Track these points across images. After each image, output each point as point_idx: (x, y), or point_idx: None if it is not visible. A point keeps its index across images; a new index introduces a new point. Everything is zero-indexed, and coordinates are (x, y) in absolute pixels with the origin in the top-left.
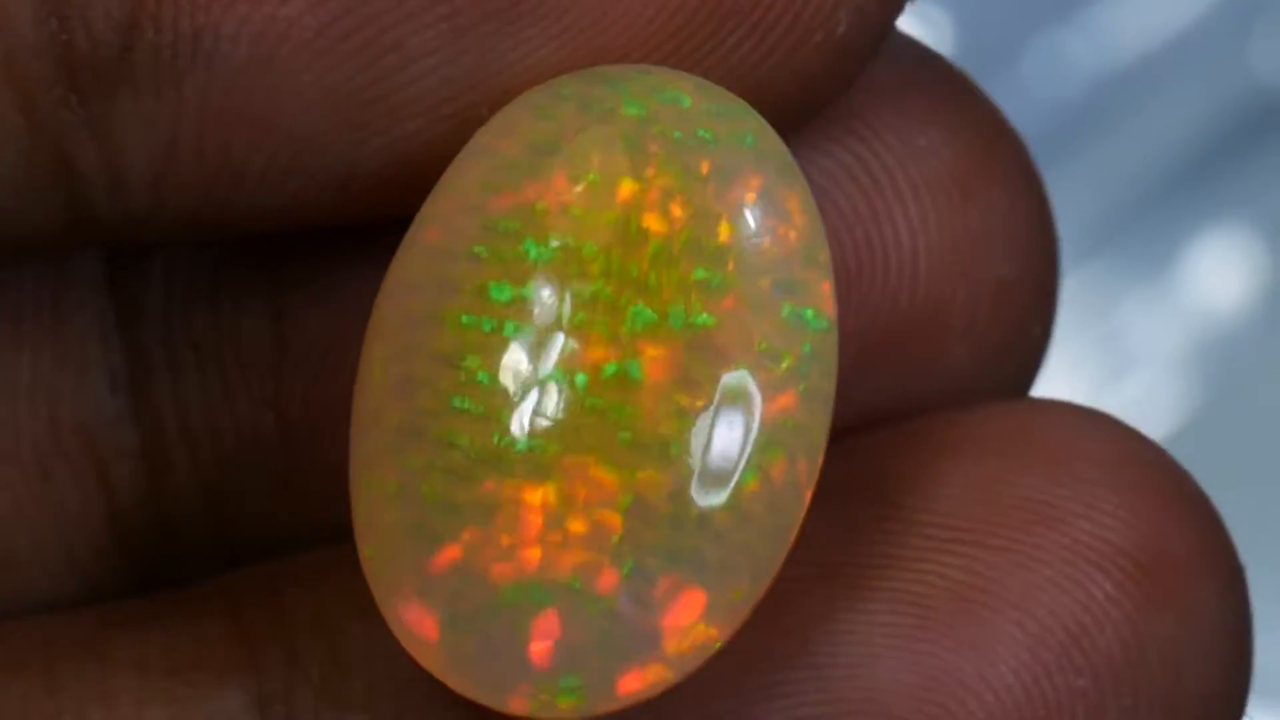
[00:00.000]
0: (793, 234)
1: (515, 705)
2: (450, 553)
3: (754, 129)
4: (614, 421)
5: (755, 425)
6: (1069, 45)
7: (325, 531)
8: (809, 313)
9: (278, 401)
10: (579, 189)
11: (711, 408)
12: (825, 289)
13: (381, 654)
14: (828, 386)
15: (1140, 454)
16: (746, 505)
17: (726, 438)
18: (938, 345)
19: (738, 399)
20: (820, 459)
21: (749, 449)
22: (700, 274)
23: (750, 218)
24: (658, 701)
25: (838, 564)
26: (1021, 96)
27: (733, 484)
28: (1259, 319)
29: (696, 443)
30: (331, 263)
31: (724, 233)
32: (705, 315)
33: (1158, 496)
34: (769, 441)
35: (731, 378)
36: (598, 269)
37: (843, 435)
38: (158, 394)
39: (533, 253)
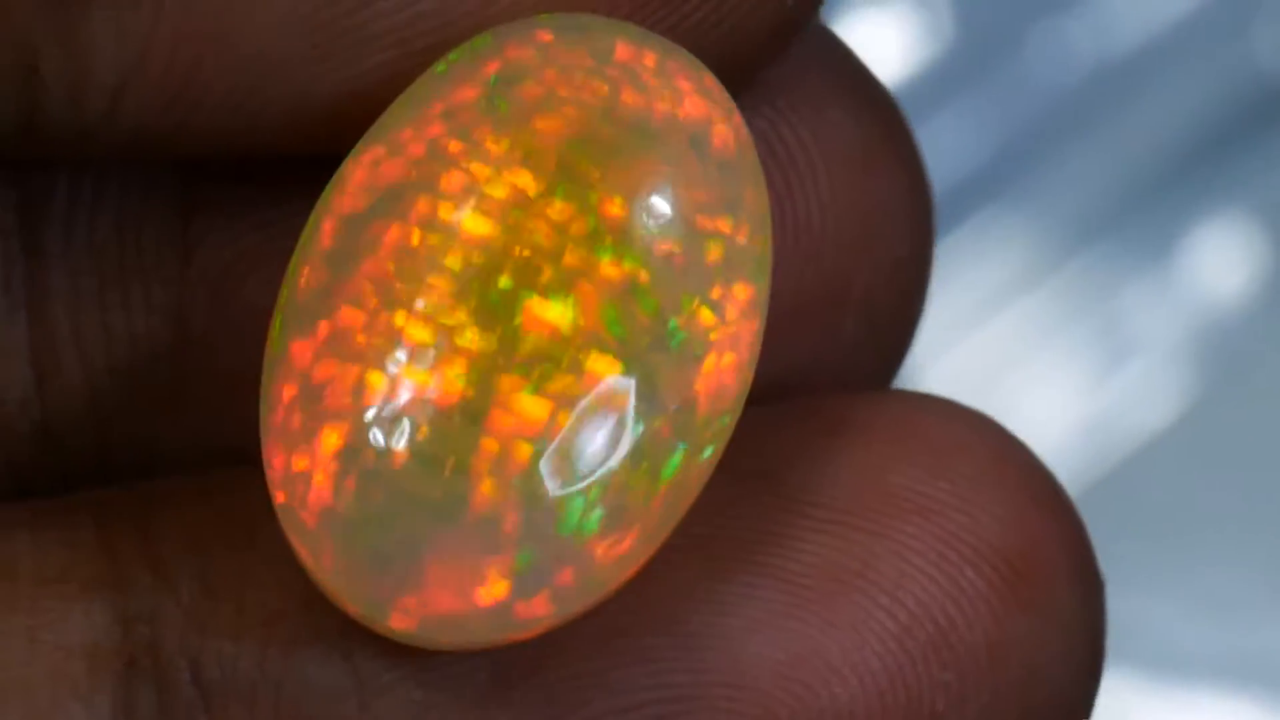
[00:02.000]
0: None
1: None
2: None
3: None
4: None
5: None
6: (1071, 32)
7: (206, 455)
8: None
9: (177, 313)
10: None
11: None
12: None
13: (252, 583)
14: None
15: (1015, 456)
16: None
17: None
18: (836, 320)
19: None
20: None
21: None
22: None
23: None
24: (527, 654)
25: (714, 536)
26: (1023, 84)
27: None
28: (1259, 307)
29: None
30: (244, 183)
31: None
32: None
33: (1030, 499)
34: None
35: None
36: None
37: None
38: (53, 294)
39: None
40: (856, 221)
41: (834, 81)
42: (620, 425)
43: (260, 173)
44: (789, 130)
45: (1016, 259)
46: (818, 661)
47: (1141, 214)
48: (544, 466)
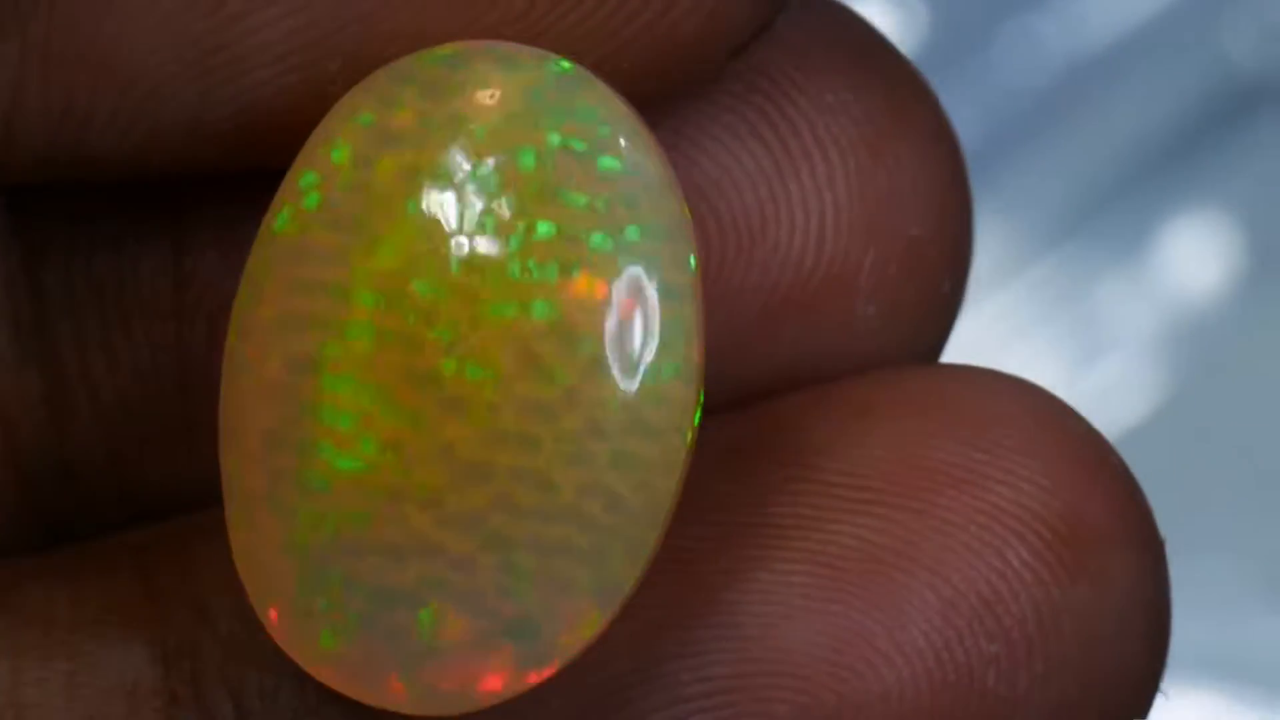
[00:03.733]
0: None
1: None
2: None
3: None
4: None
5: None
6: (1042, 30)
7: None
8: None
9: (178, 345)
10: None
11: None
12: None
13: None
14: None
15: (1061, 422)
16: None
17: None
18: (846, 306)
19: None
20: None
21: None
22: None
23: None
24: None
25: (750, 525)
26: (994, 81)
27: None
28: (1233, 302)
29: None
30: (233, 206)
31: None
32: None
33: (1077, 465)
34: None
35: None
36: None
37: (753, 397)
38: (59, 337)
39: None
40: (860, 204)
41: (843, 60)
42: None
43: (243, 196)
44: (783, 118)
45: (990, 255)
46: (862, 644)
47: (1115, 210)
48: None
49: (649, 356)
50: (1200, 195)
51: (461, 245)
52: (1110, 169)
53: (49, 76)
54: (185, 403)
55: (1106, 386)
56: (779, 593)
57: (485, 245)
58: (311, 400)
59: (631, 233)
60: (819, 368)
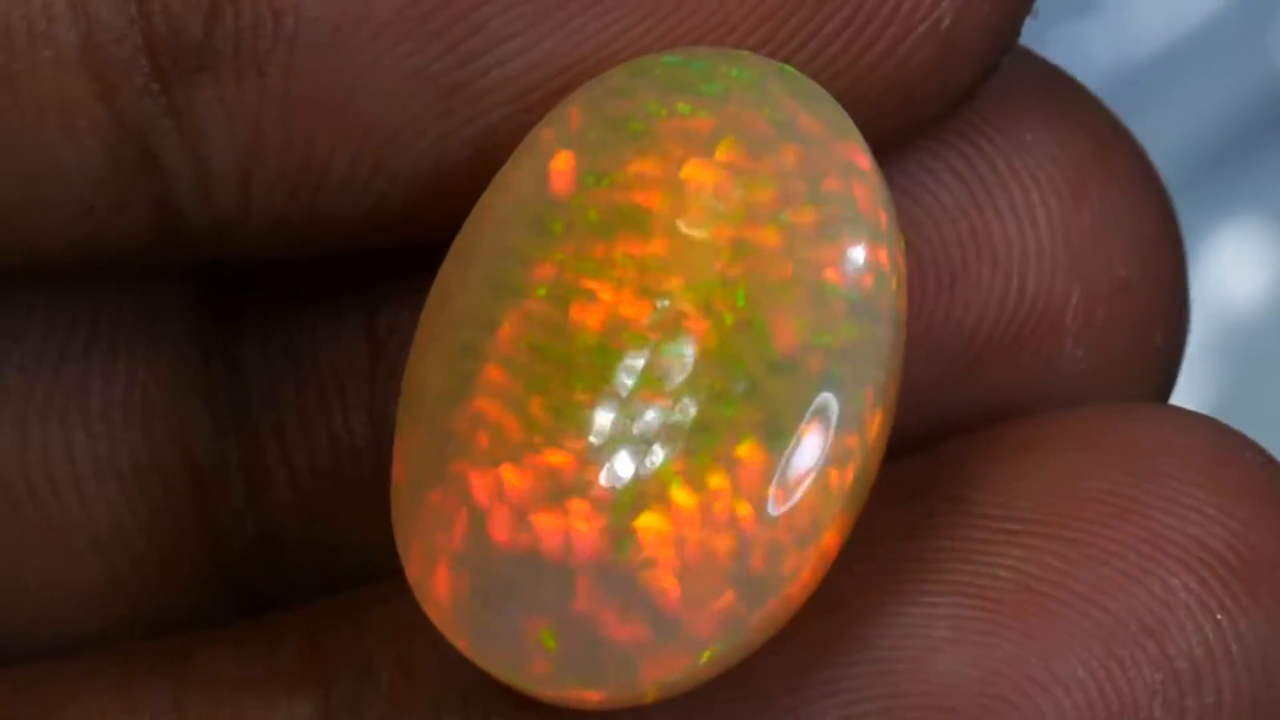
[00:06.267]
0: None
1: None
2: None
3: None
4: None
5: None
6: (1089, 38)
7: None
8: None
9: (373, 409)
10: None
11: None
12: (881, 282)
13: (450, 660)
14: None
15: (1235, 452)
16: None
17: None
18: (1052, 346)
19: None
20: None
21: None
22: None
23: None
24: (716, 699)
25: (903, 560)
26: None
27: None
28: (1279, 311)
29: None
30: (422, 267)
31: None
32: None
33: (1250, 494)
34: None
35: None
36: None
37: (948, 433)
38: (255, 406)
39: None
40: (1062, 242)
41: (1041, 103)
42: None
43: (429, 250)
44: (981, 156)
45: None
46: (1015, 675)
47: None
48: None
49: None
50: (1246, 204)
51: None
52: None
53: (289, 123)
54: (381, 469)
55: None
56: (927, 625)
57: None
58: None
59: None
60: (1026, 410)
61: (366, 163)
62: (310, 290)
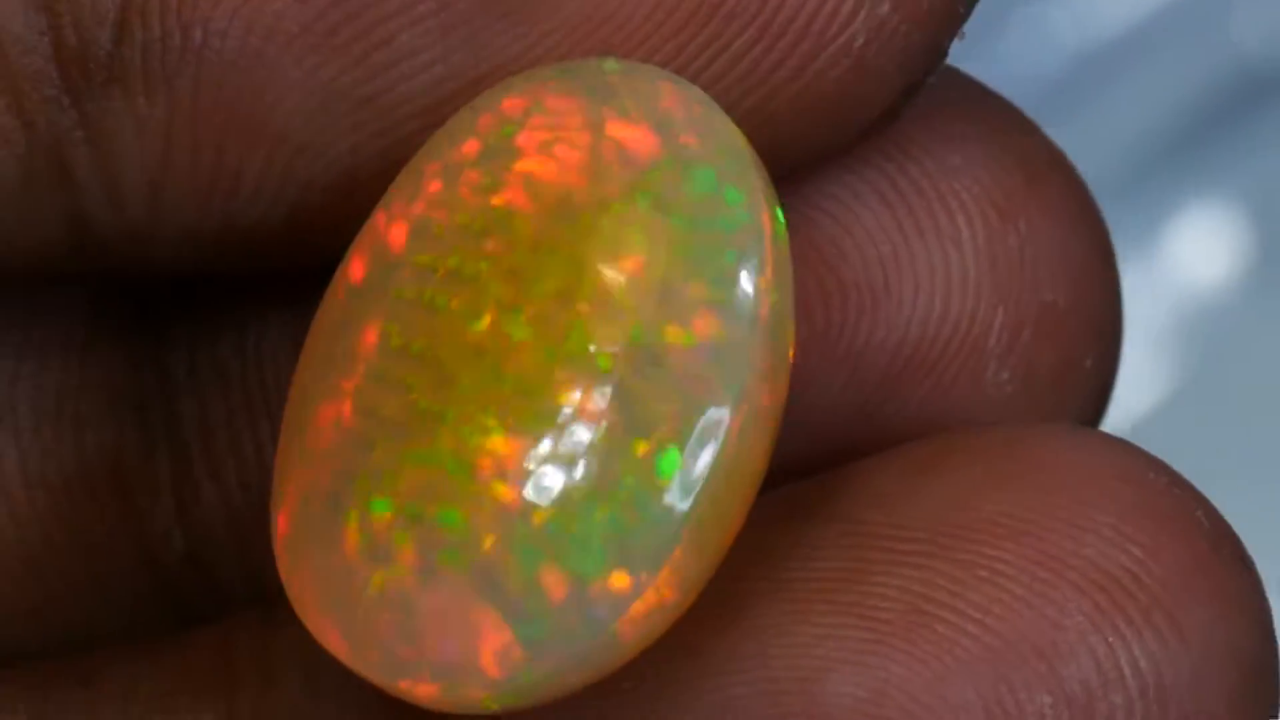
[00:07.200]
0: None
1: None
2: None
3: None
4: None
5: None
6: (1052, 19)
7: None
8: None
9: None
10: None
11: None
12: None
13: (355, 681)
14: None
15: (1139, 474)
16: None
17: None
18: (975, 369)
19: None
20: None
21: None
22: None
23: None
24: (596, 709)
25: (794, 580)
26: (1004, 71)
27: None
28: (1242, 294)
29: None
30: None
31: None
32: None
33: (1150, 517)
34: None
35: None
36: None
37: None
38: (184, 420)
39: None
40: (988, 263)
41: (970, 125)
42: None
43: None
44: (906, 179)
45: None
46: (903, 697)
47: (1124, 201)
48: None
49: None
50: (1209, 187)
51: None
52: (1119, 160)
53: (198, 135)
54: None
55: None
56: (817, 645)
57: None
58: None
59: None
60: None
61: (276, 173)
62: (240, 304)
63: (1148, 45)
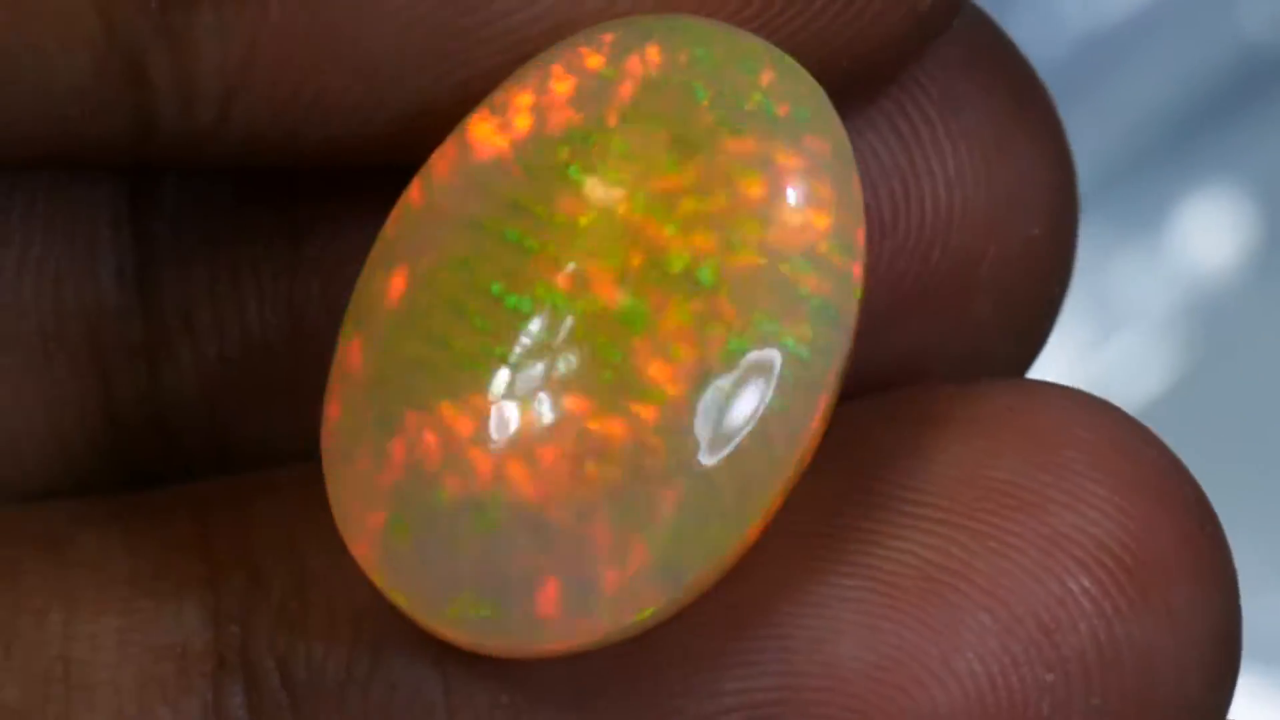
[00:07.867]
0: (822, 220)
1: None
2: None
3: (811, 104)
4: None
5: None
6: (1059, 2)
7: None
8: (816, 301)
9: (290, 303)
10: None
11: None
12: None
13: (343, 582)
14: (827, 376)
15: (1135, 447)
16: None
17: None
18: (966, 302)
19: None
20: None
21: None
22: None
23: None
24: (613, 661)
25: (812, 534)
26: None
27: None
28: (1248, 279)
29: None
30: (353, 178)
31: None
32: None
33: (1146, 493)
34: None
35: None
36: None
37: (857, 392)
38: (166, 285)
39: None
40: (985, 199)
41: (966, 53)
42: None
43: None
44: (915, 107)
45: None
46: (911, 664)
47: (1130, 186)
48: None
49: None
50: (1215, 171)
51: None
52: (1125, 145)
53: (285, 52)
54: (292, 361)
55: (1120, 363)
56: (831, 605)
57: None
58: None
59: None
60: (935, 364)
61: (357, 95)
62: (235, 175)
63: (1154, 29)
